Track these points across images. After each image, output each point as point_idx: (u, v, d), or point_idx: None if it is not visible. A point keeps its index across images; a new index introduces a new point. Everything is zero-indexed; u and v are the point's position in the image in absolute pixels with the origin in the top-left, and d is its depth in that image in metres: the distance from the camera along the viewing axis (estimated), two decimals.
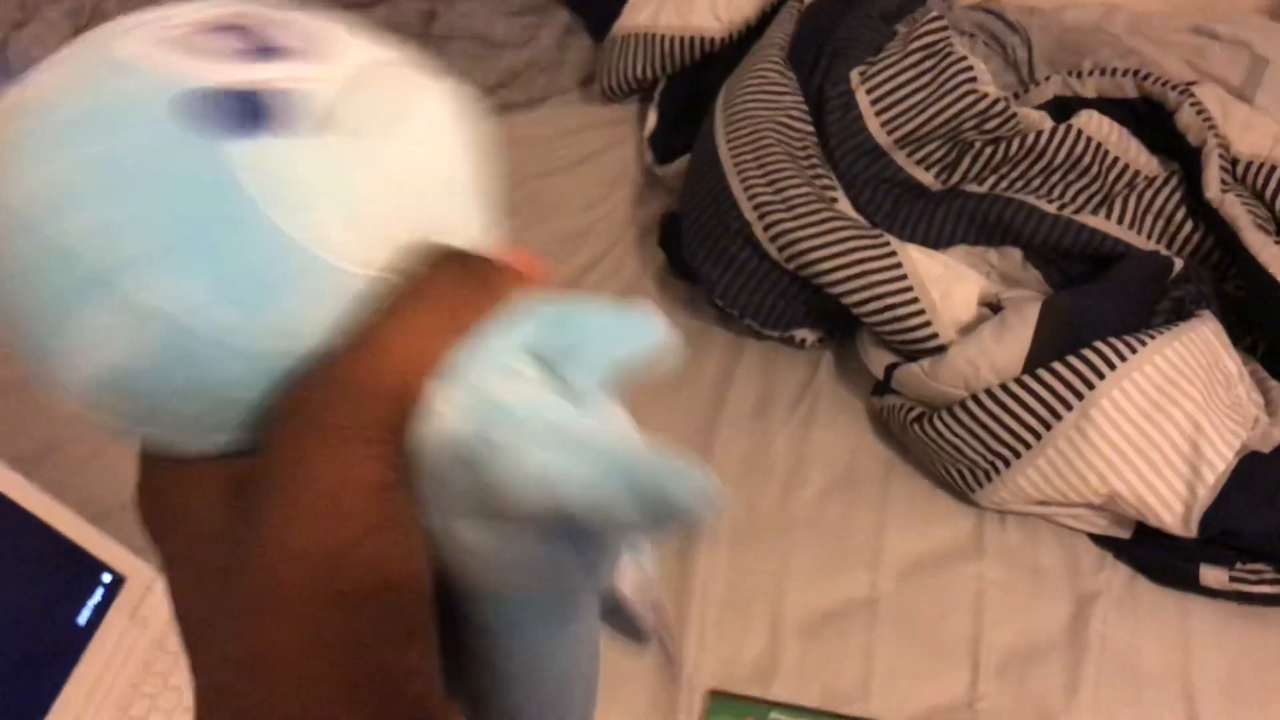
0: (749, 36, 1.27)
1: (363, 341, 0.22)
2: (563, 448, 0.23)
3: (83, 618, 0.87)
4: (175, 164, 0.21)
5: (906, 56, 1.10)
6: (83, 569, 0.88)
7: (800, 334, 1.08)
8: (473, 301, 0.23)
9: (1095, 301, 0.95)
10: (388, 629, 0.21)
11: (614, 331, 0.25)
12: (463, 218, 0.25)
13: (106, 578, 0.89)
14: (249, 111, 0.21)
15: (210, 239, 0.21)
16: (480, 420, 0.23)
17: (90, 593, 0.88)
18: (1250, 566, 0.89)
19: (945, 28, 1.12)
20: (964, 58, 1.09)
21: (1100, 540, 0.95)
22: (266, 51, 0.22)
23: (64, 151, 0.21)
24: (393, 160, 0.23)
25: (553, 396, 0.24)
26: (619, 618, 0.29)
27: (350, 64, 0.23)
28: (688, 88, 1.31)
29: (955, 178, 1.11)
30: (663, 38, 1.29)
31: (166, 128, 0.21)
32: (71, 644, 0.86)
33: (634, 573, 0.28)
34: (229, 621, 0.21)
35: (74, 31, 1.30)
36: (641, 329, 0.26)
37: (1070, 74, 1.17)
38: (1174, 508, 0.88)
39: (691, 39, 1.28)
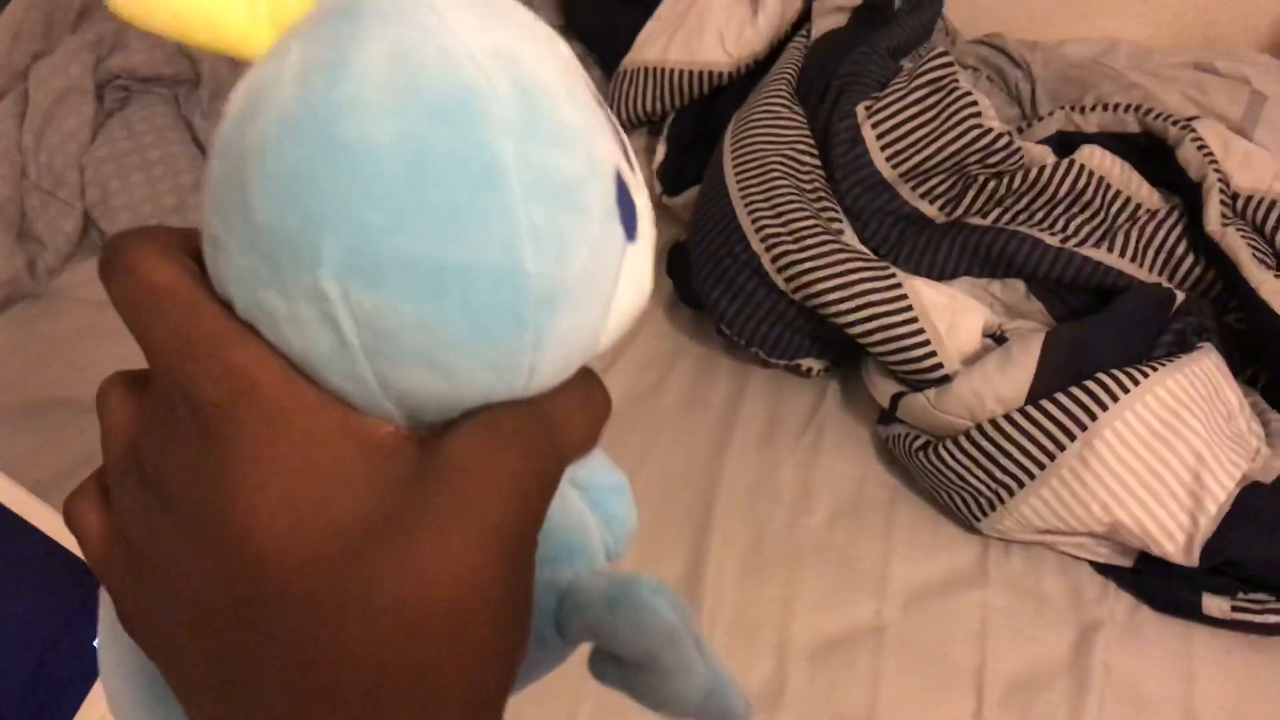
0: (757, 70, 1.29)
1: (560, 404, 0.25)
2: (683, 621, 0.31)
3: (98, 640, 0.88)
4: (610, 231, 0.24)
5: (912, 91, 1.12)
6: (98, 591, 0.89)
7: (806, 363, 1.10)
8: (604, 419, 0.26)
9: (1098, 333, 0.96)
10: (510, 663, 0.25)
11: (622, 506, 0.35)
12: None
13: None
14: (629, 219, 0.24)
15: (592, 297, 0.24)
16: (562, 526, 0.26)
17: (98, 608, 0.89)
18: (1253, 596, 0.90)
19: (950, 64, 1.14)
20: (968, 93, 1.11)
21: (1103, 569, 0.96)
22: (626, 152, 0.25)
23: (556, 155, 0.23)
24: (647, 273, 0.26)
25: (596, 531, 0.31)
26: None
27: (643, 184, 0.26)
28: (696, 120, 1.33)
29: (959, 211, 1.12)
30: (672, 72, 1.31)
31: (612, 198, 0.23)
32: (87, 667, 0.87)
33: None
34: (402, 578, 0.23)
35: (95, 62, 1.33)
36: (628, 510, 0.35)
37: (1073, 109, 1.19)
38: (1176, 537, 0.89)
39: (700, 73, 1.30)
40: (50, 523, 0.85)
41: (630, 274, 0.25)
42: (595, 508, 0.31)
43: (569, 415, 0.25)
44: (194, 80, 1.36)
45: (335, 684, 0.22)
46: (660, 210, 1.31)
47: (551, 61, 0.23)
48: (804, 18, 1.30)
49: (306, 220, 0.21)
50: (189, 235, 0.25)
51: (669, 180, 1.29)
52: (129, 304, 0.23)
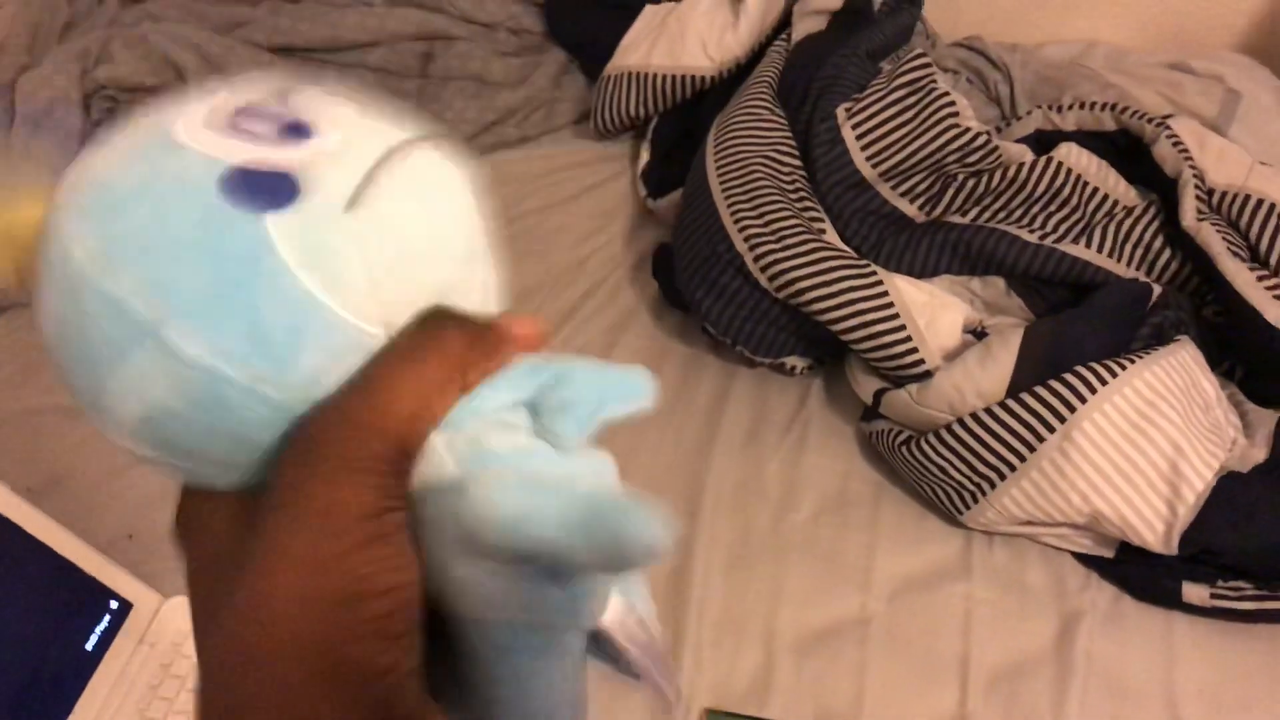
0: (738, 74, 1.31)
1: (372, 387, 0.25)
2: (537, 491, 0.26)
3: (90, 643, 0.89)
4: (219, 232, 0.24)
5: (891, 92, 1.14)
6: (91, 596, 0.90)
7: (791, 361, 1.11)
8: (479, 361, 0.26)
9: (1076, 327, 0.98)
10: (367, 631, 0.24)
11: (604, 390, 0.30)
12: (476, 283, 0.28)
13: (114, 604, 0.91)
14: (285, 188, 0.25)
15: (247, 299, 0.24)
16: (470, 464, 0.26)
17: (98, 619, 0.90)
18: (1231, 584, 0.91)
19: (928, 65, 1.15)
20: (946, 93, 1.13)
21: (1085, 559, 0.97)
22: (299, 130, 0.26)
23: (122, 217, 0.24)
24: (413, 231, 0.26)
25: (540, 445, 0.28)
26: (606, 654, 0.31)
27: (375, 141, 0.26)
28: (679, 124, 1.34)
29: (939, 209, 1.14)
30: (655, 76, 1.32)
31: (213, 200, 0.24)
32: (80, 668, 0.88)
33: (623, 612, 0.31)
34: (229, 619, 0.24)
35: (81, 74, 1.33)
36: (629, 387, 0.31)
37: (1050, 108, 1.20)
38: (1155, 527, 0.90)
39: (683, 77, 1.31)
40: (43, 528, 0.86)
41: (320, 233, 0.25)
42: (539, 415, 0.30)
43: (376, 384, 0.25)
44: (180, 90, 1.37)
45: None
46: (644, 213, 1.33)
47: (128, 154, 0.26)
48: (784, 22, 1.32)
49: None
50: None
51: (653, 184, 1.30)
52: None
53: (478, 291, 0.28)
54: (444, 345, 0.26)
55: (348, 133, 0.26)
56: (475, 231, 0.29)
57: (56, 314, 0.25)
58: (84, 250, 0.24)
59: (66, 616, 0.88)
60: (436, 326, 0.26)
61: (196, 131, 0.25)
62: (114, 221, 0.24)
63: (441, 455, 0.27)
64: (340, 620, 0.24)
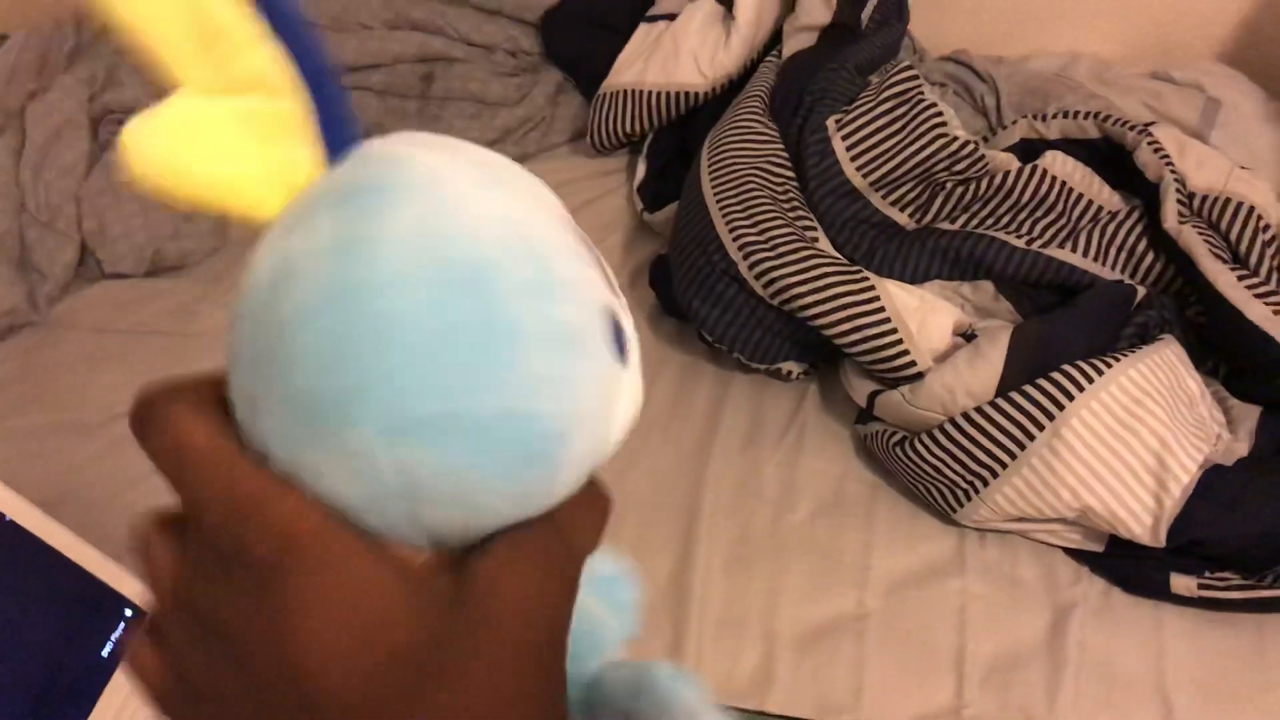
0: (731, 90, 1.34)
1: (573, 514, 0.28)
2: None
3: (106, 649, 0.91)
4: (603, 363, 0.27)
5: (880, 104, 1.17)
6: (106, 603, 0.91)
7: (786, 366, 1.13)
8: (606, 520, 0.30)
9: (1063, 328, 1.00)
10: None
11: (629, 594, 0.38)
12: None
13: (129, 611, 0.93)
14: (621, 347, 0.28)
15: (599, 423, 0.27)
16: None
17: (113, 626, 0.92)
18: (1218, 574, 0.93)
19: (915, 76, 1.18)
20: (934, 104, 1.16)
21: (1075, 554, 1.00)
22: (611, 285, 0.29)
23: (541, 306, 0.25)
24: (638, 395, 0.30)
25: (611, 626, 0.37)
26: None
27: (626, 310, 0.29)
28: (674, 139, 1.38)
29: (928, 217, 1.17)
30: (650, 93, 1.35)
31: (608, 334, 0.27)
32: (95, 676, 0.90)
33: None
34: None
35: (89, 99, 1.37)
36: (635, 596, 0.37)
37: (1035, 117, 1.23)
38: (1143, 520, 0.92)
39: (677, 94, 1.34)
40: (60, 539, 0.88)
41: (627, 393, 0.28)
42: (603, 597, 0.34)
43: (579, 522, 0.28)
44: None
45: None
46: (641, 226, 1.36)
47: (552, 221, 0.27)
48: (775, 39, 1.35)
49: (346, 384, 0.23)
50: (213, 384, 0.26)
51: (649, 197, 1.33)
52: (168, 464, 0.25)
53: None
54: (603, 498, 0.29)
55: (628, 314, 0.29)
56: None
57: (451, 308, 0.24)
58: (522, 289, 0.25)
59: (81, 623, 0.90)
60: (600, 482, 0.29)
61: (576, 244, 0.28)
62: (555, 292, 0.25)
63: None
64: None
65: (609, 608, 0.34)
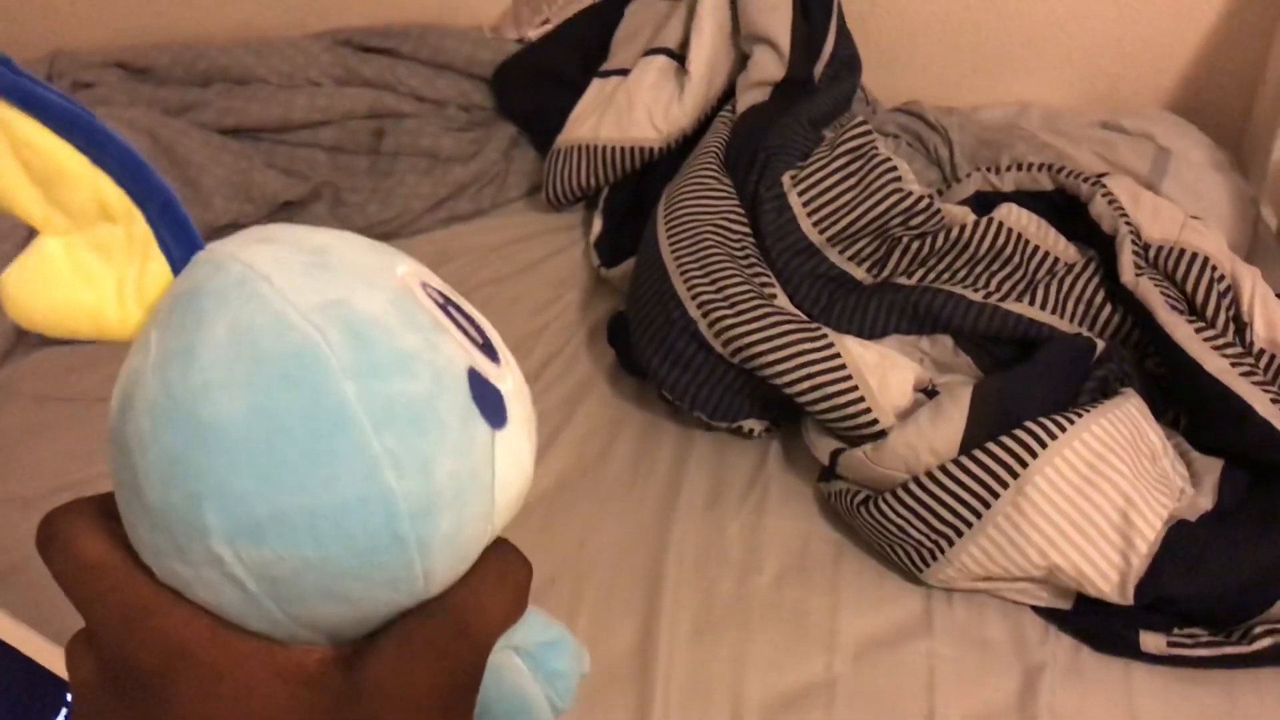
0: (685, 145, 1.34)
1: (471, 595, 0.27)
2: None
3: None
4: (467, 431, 0.26)
5: (834, 160, 1.17)
6: (47, 689, 0.88)
7: (748, 424, 1.12)
8: (526, 591, 0.29)
9: (1024, 383, 1.00)
10: None
11: (578, 663, 0.35)
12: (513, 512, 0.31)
13: (69, 697, 0.89)
14: (496, 405, 0.27)
15: (464, 498, 0.26)
16: (502, 698, 0.30)
17: (55, 713, 0.88)
18: (1187, 631, 0.92)
19: (869, 132, 1.18)
20: (888, 159, 1.16)
21: (1044, 612, 0.98)
22: (486, 346, 0.28)
23: (395, 370, 0.25)
24: (526, 456, 0.29)
25: (544, 701, 0.33)
26: None
27: (511, 366, 0.30)
28: (630, 194, 1.37)
29: (886, 272, 1.16)
30: (604, 148, 1.35)
31: (466, 399, 0.26)
32: None
33: None
34: None
35: None
36: (581, 665, 0.35)
37: (989, 170, 1.24)
38: (1110, 577, 0.92)
39: (631, 149, 1.34)
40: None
41: (506, 457, 0.27)
42: (536, 667, 0.33)
43: (482, 601, 0.27)
44: None
45: None
46: (599, 282, 1.34)
47: (382, 295, 0.26)
48: (728, 93, 1.35)
49: (188, 497, 0.24)
50: (111, 500, 0.27)
51: (606, 253, 1.32)
52: (68, 581, 0.25)
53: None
54: (517, 571, 0.29)
55: (500, 352, 0.29)
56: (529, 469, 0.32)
57: (271, 404, 0.24)
58: (344, 373, 0.24)
59: (20, 712, 0.86)
60: (515, 552, 0.29)
61: (434, 310, 0.27)
62: (386, 368, 0.25)
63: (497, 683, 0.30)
64: None
65: (544, 678, 0.33)
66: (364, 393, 0.24)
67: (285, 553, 0.24)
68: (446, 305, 0.28)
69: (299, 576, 0.24)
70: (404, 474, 0.24)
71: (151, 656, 0.24)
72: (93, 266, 0.27)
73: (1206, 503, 0.97)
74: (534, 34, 1.54)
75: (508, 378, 0.28)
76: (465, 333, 0.27)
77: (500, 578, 0.28)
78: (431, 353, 0.26)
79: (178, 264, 0.27)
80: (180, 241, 0.27)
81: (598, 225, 1.36)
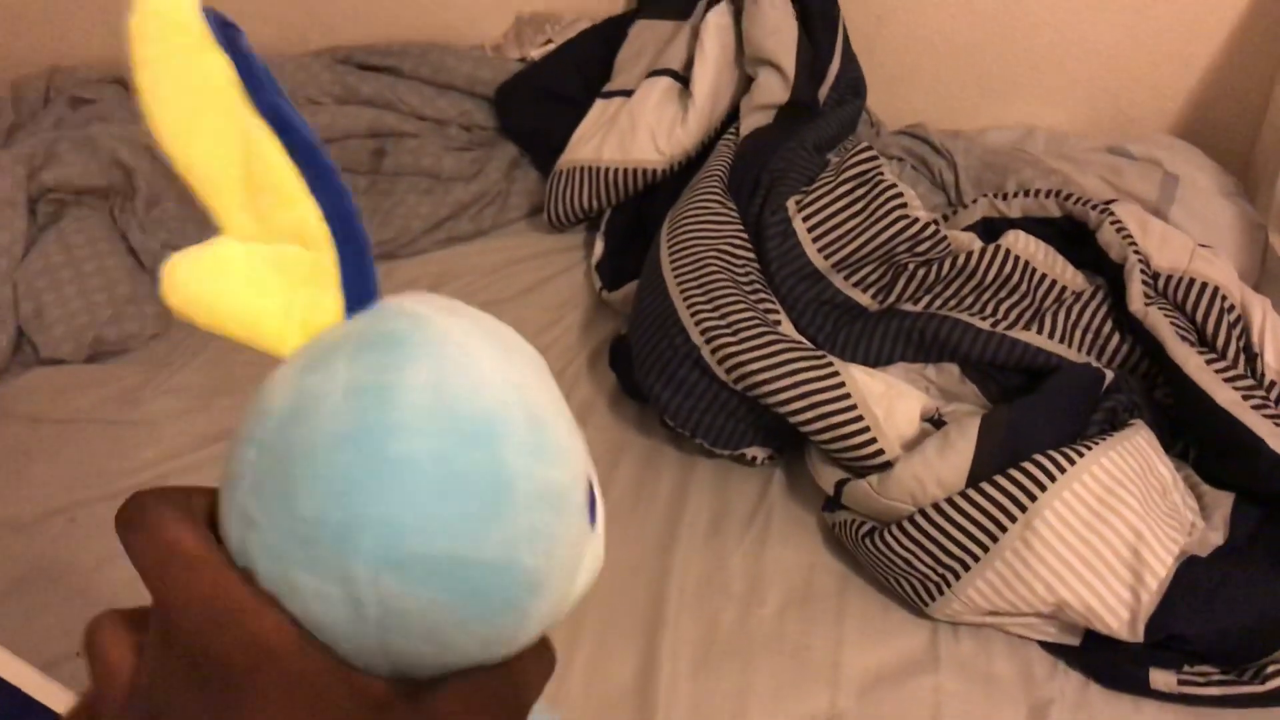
0: (689, 167, 1.32)
1: (524, 661, 0.29)
2: None
3: None
4: (583, 527, 0.29)
5: (840, 185, 1.16)
6: (31, 717, 0.86)
7: (751, 452, 1.11)
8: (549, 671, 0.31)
9: (1032, 415, 0.98)
10: None
11: None
12: None
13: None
14: (594, 506, 0.30)
15: (561, 583, 0.28)
16: None
17: None
18: (1197, 669, 0.91)
19: (875, 157, 1.17)
20: (894, 185, 1.15)
21: (1052, 648, 0.97)
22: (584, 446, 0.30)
23: (559, 459, 0.28)
24: (602, 553, 0.31)
25: None
26: None
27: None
28: (632, 216, 1.35)
29: (891, 298, 1.15)
30: (606, 170, 1.33)
31: (585, 498, 0.29)
32: None
33: None
34: None
35: (27, 177, 1.32)
36: None
37: (996, 196, 1.23)
38: (1120, 614, 0.90)
39: (634, 170, 1.33)
40: None
41: (591, 555, 0.30)
42: None
43: (529, 675, 0.29)
44: (129, 192, 1.36)
45: None
46: (600, 305, 1.33)
47: (549, 391, 0.29)
48: (732, 116, 1.34)
49: (349, 517, 0.25)
50: (202, 496, 0.28)
51: (608, 275, 1.31)
52: (152, 564, 0.26)
53: None
54: (552, 656, 0.30)
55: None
56: None
57: (454, 458, 0.26)
58: (519, 449, 0.27)
59: None
60: (548, 641, 0.31)
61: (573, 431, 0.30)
62: (549, 455, 0.27)
63: None
64: None
65: None
66: (528, 470, 0.26)
67: (422, 592, 0.25)
68: None
69: (420, 616, 0.25)
70: (536, 550, 0.27)
71: (242, 655, 0.25)
72: (267, 278, 0.29)
73: (1218, 537, 0.95)
74: (536, 53, 1.53)
75: (598, 488, 0.31)
76: (581, 439, 0.30)
77: (540, 655, 0.29)
78: (575, 450, 0.29)
79: (353, 306, 0.29)
80: (358, 285, 0.29)
81: (600, 247, 1.34)
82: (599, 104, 1.41)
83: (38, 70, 1.57)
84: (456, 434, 0.26)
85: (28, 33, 1.63)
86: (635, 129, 1.33)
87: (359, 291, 0.29)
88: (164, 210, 1.35)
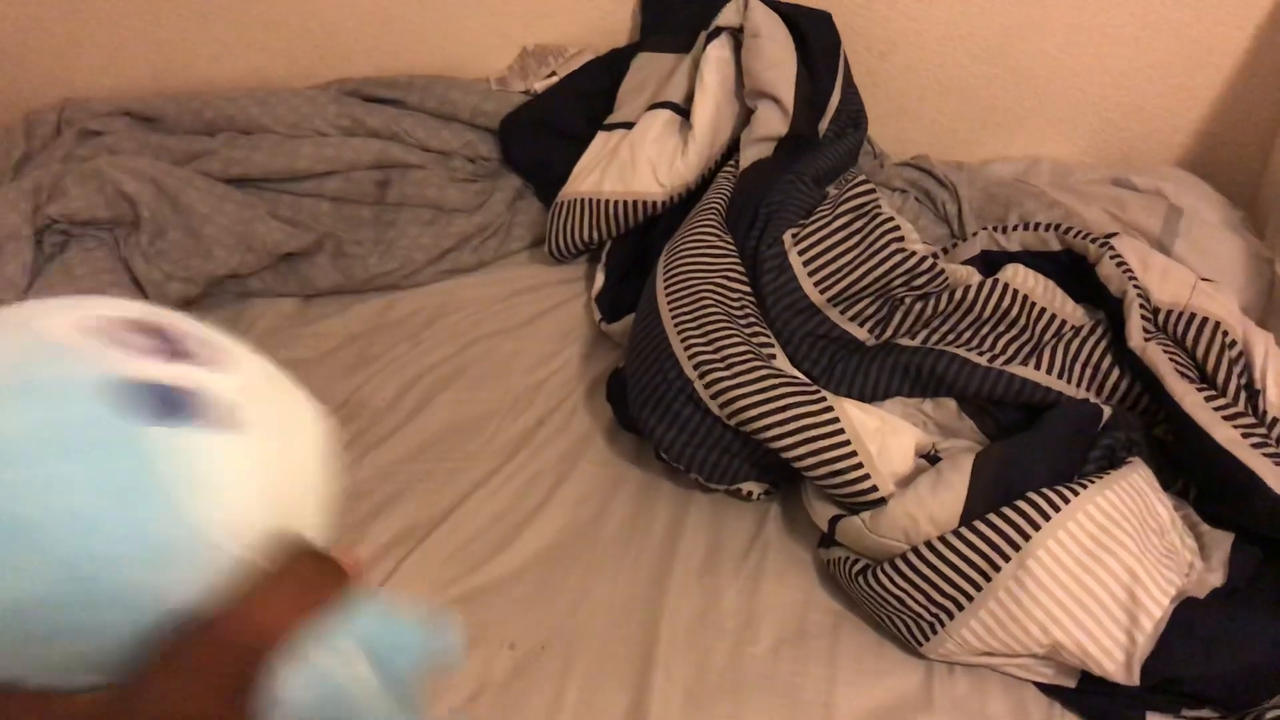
0: (689, 199, 1.32)
1: (231, 605, 0.26)
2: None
3: None
4: (102, 439, 0.25)
5: (836, 218, 1.15)
6: None
7: (747, 487, 1.10)
8: (323, 589, 0.28)
9: (1027, 452, 0.97)
10: None
11: (422, 639, 0.32)
12: (315, 516, 0.30)
13: None
14: (165, 403, 0.26)
15: (123, 507, 0.25)
16: (321, 696, 0.27)
17: None
18: (1195, 714, 0.89)
19: (872, 190, 1.17)
20: (890, 218, 1.14)
21: (1048, 689, 0.95)
22: (179, 354, 0.27)
23: (6, 414, 0.24)
24: (274, 460, 0.28)
25: (378, 686, 0.29)
26: None
27: (247, 373, 0.28)
28: (632, 248, 1.35)
29: (888, 332, 1.14)
30: (607, 202, 1.33)
31: (95, 407, 0.25)
32: None
33: None
34: None
35: (34, 210, 1.33)
36: (443, 639, 0.33)
37: (996, 229, 1.22)
38: (1115, 656, 0.88)
39: (634, 203, 1.33)
40: None
41: (220, 458, 0.27)
42: (372, 649, 0.31)
43: (248, 610, 0.27)
44: (134, 222, 1.37)
45: None
46: (600, 337, 1.33)
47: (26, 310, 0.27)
48: (732, 148, 1.34)
49: None
50: None
51: (607, 307, 1.31)
52: None
53: (317, 526, 0.30)
54: (295, 568, 0.28)
55: (222, 361, 0.28)
56: (323, 470, 0.31)
57: None
58: None
59: None
60: (292, 554, 0.28)
61: (74, 335, 0.26)
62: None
63: (289, 680, 0.28)
64: None
65: (381, 658, 0.31)
66: None
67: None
68: (135, 329, 0.28)
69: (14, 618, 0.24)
70: (34, 499, 0.24)
71: None
72: None
73: (1216, 579, 0.94)
74: (539, 86, 1.53)
75: (230, 382, 0.28)
76: (160, 351, 0.27)
77: (277, 582, 0.27)
78: (73, 358, 0.26)
79: None
80: None
81: (600, 280, 1.34)
82: (600, 136, 1.41)
83: (50, 102, 1.59)
84: None
85: (40, 65, 1.65)
86: (636, 161, 1.33)
87: None
88: (168, 241, 1.36)
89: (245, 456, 0.27)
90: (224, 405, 0.27)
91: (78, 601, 0.24)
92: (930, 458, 1.02)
